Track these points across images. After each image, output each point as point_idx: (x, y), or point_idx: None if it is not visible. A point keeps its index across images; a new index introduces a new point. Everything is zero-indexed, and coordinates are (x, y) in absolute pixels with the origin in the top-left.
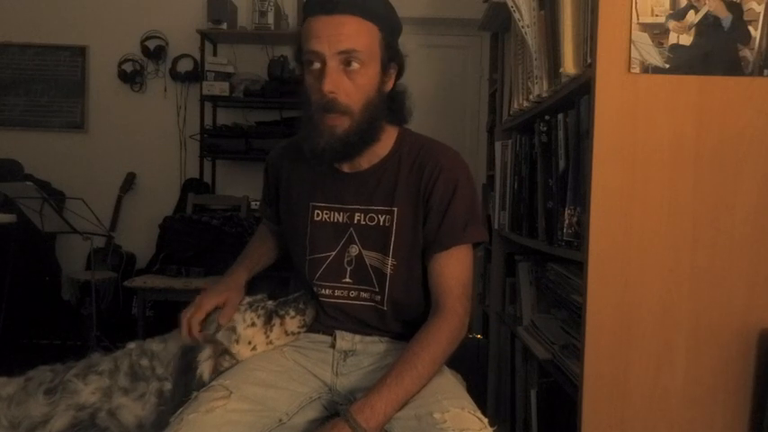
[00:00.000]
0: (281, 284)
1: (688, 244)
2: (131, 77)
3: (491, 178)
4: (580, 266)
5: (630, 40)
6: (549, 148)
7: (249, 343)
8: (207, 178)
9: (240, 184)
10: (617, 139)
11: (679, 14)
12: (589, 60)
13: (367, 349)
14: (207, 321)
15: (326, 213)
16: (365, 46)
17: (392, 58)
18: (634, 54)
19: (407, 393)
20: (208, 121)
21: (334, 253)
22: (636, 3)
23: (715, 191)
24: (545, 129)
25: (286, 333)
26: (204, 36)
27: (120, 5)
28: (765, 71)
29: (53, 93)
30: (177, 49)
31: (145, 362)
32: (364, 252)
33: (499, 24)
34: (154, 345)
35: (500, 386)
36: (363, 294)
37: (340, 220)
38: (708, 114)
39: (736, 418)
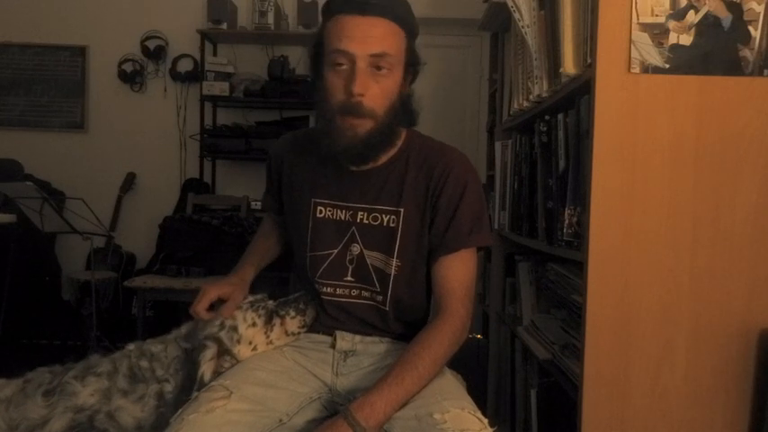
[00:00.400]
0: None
1: (688, 244)
2: (131, 77)
3: (491, 178)
4: (580, 266)
5: (630, 40)
6: (549, 148)
7: (250, 343)
8: (207, 178)
9: (240, 184)
10: (617, 139)
11: (679, 14)
12: (589, 60)
13: (367, 350)
14: (209, 323)
15: (329, 210)
16: (395, 50)
17: (413, 62)
18: (634, 54)
19: (408, 393)
20: (208, 121)
21: (336, 251)
22: (636, 3)
23: (715, 191)
24: (545, 129)
25: (286, 333)
26: (204, 36)
27: (120, 5)
28: (765, 71)
29: (53, 93)
30: (177, 49)
31: (144, 363)
32: (366, 252)
33: (499, 24)
34: (153, 346)
35: (500, 386)
36: (365, 293)
37: (342, 217)
38: (708, 114)
39: (736, 418)
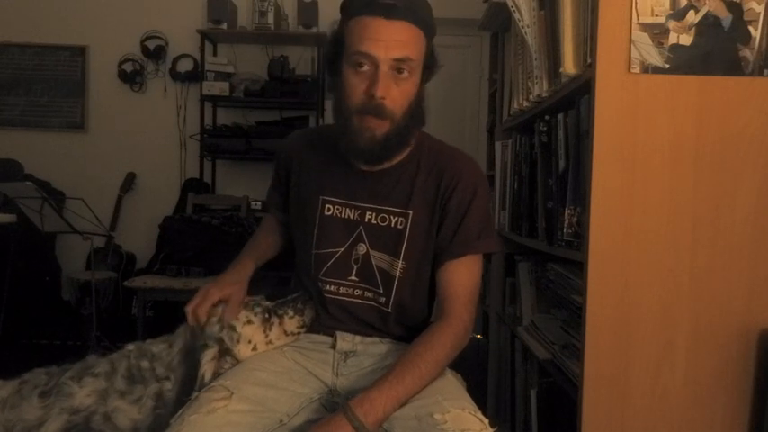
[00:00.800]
0: (282, 284)
1: (688, 244)
2: (131, 77)
3: (491, 178)
4: (580, 266)
5: (630, 40)
6: (549, 148)
7: (249, 342)
8: (207, 178)
9: (240, 184)
10: (617, 139)
11: (679, 14)
12: (589, 60)
13: (367, 350)
14: (209, 322)
15: (338, 209)
16: (416, 54)
17: (431, 65)
18: (634, 54)
19: (408, 392)
20: (208, 121)
21: (342, 249)
22: (636, 3)
23: (715, 191)
24: (545, 129)
25: (285, 333)
26: (204, 36)
27: (120, 5)
28: (765, 71)
29: (53, 93)
30: (177, 49)
31: (145, 363)
32: (372, 252)
33: (499, 24)
34: (154, 346)
35: (500, 386)
36: (368, 294)
37: (350, 216)
38: (708, 114)
39: (736, 418)
